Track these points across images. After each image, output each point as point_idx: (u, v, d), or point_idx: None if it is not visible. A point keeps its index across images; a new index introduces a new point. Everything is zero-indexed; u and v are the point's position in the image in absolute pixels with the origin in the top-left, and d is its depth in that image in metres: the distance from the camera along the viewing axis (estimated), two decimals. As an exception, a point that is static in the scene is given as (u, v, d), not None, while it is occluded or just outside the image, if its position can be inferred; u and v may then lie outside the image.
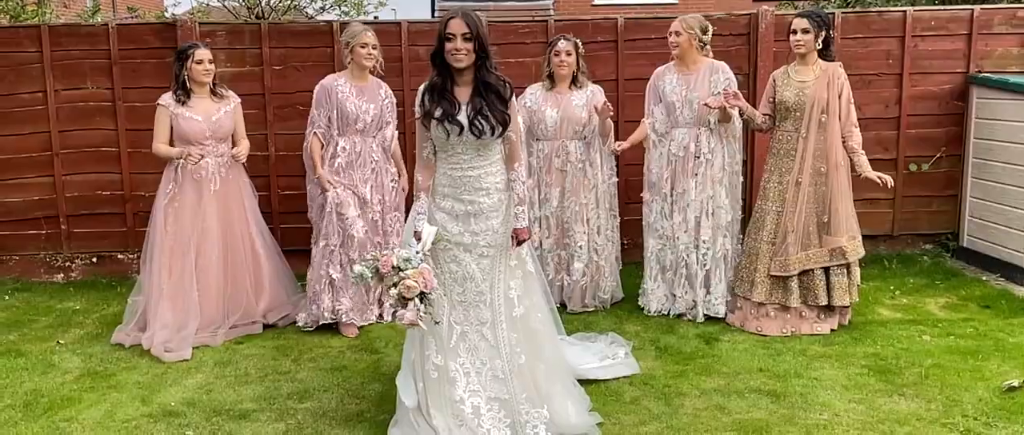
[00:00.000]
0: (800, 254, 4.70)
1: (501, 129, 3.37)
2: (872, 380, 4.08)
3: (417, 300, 3.24)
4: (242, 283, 4.95)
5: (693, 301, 5.03)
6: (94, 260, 6.27)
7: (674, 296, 5.09)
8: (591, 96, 5.09)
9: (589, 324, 4.97)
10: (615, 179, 5.31)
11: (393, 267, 3.26)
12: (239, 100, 5.05)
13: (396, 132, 5.10)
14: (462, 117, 3.32)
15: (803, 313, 4.77)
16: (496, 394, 3.44)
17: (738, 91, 4.77)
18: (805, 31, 4.64)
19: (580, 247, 5.17)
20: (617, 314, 5.19)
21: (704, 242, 4.97)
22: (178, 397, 4.04)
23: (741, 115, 4.86)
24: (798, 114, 4.68)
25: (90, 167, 6.12)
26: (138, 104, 5.95)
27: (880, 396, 3.90)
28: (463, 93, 3.37)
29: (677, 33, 4.88)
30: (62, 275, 6.26)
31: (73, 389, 4.15)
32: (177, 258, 4.79)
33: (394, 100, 5.05)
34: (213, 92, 4.91)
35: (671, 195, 5.03)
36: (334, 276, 4.85)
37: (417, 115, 3.44)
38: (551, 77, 5.16)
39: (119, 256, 6.26)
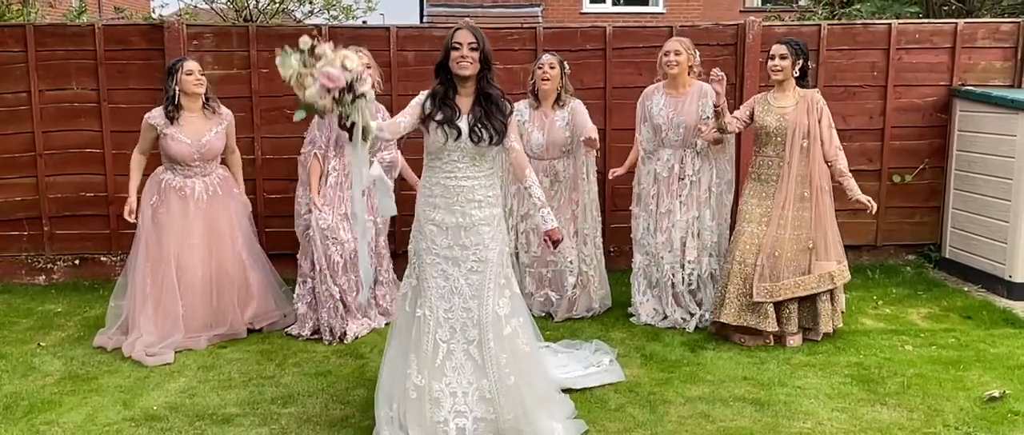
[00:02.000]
0: (785, 281, 4.68)
1: (499, 138, 3.41)
2: (855, 389, 4.11)
3: (346, 92, 2.86)
4: (228, 301, 4.85)
5: (681, 318, 5.04)
6: (76, 262, 6.22)
7: (665, 314, 5.10)
8: (572, 112, 5.06)
9: (575, 331, 4.97)
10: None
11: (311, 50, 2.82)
12: (232, 117, 4.98)
13: (389, 156, 4.95)
14: (462, 123, 3.38)
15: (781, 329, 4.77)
16: (483, 414, 3.40)
17: (723, 75, 4.52)
18: (783, 57, 4.69)
19: (570, 262, 5.15)
20: (603, 322, 5.20)
21: (689, 262, 5.00)
22: (160, 401, 4.01)
23: (715, 108, 4.65)
24: (780, 140, 4.70)
25: (74, 168, 6.07)
26: (123, 105, 5.92)
27: (863, 405, 3.93)
28: (465, 103, 3.43)
29: (677, 53, 4.90)
30: (44, 277, 6.20)
31: (54, 392, 4.11)
32: (160, 269, 4.70)
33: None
34: (206, 105, 4.83)
35: (656, 212, 5.05)
36: (336, 296, 4.78)
37: (416, 114, 3.42)
38: (536, 95, 5.15)
39: (102, 258, 6.21)
